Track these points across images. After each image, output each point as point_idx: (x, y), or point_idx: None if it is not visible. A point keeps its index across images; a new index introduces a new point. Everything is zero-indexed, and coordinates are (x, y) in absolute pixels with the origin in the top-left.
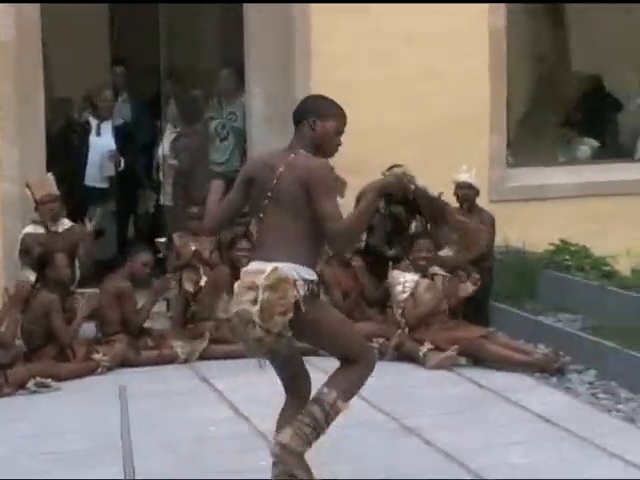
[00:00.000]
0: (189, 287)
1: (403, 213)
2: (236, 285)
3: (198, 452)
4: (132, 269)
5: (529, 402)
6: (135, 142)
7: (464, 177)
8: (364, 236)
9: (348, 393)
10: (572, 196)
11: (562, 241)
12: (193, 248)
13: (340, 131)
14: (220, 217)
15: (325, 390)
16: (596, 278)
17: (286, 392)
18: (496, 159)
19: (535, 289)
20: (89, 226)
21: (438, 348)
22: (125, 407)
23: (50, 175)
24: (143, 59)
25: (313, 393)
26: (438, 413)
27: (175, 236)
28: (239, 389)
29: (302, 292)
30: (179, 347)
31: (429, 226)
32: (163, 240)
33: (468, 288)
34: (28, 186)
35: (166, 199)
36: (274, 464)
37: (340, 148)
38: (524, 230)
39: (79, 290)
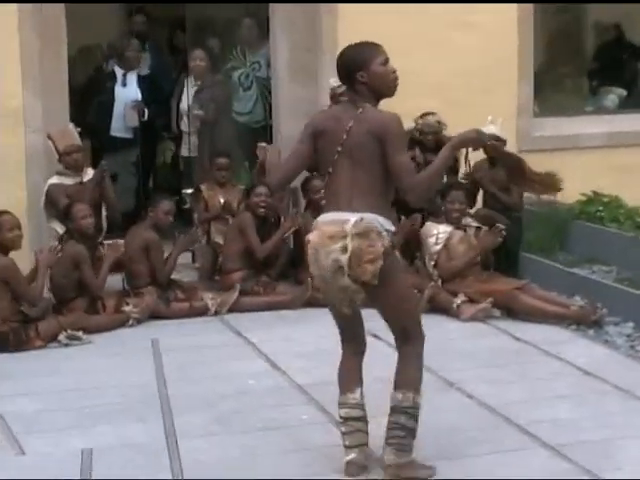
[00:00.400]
0: (219, 239)
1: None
2: (313, 235)
3: (238, 407)
4: (155, 219)
5: (568, 355)
6: (159, 92)
7: (493, 129)
8: None
9: (418, 384)
10: (601, 146)
11: (593, 192)
12: (222, 200)
13: (385, 61)
14: (287, 171)
15: (400, 396)
16: (630, 229)
17: (343, 345)
18: (524, 109)
19: (566, 240)
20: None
21: (472, 300)
22: (159, 361)
23: (71, 125)
24: (166, 9)
25: (389, 402)
26: (476, 366)
27: (203, 187)
28: (273, 342)
29: (387, 242)
30: (209, 299)
31: (508, 179)
32: (190, 191)
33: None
34: (50, 137)
35: (187, 150)
36: None
37: None
38: None
39: (106, 242)
